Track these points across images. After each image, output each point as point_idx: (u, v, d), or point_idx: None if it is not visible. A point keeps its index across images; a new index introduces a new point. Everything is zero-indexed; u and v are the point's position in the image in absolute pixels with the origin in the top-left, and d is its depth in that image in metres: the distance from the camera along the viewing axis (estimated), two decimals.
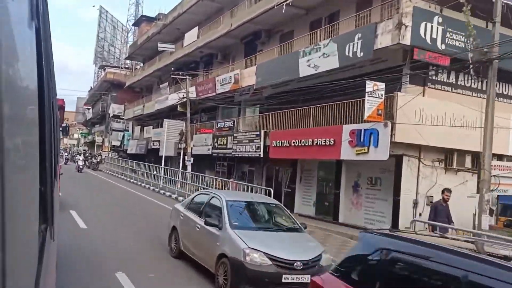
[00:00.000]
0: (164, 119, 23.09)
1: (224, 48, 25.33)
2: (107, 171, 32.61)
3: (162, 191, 20.27)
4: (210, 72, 26.52)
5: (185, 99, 22.85)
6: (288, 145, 16.20)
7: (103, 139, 42.60)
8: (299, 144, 15.55)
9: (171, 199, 18.09)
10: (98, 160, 35.00)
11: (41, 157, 1.55)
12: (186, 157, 22.32)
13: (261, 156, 17.88)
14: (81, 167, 28.80)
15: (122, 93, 44.14)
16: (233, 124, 21.01)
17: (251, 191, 15.21)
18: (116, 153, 41.83)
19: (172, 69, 31.78)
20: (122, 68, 50.94)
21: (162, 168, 21.92)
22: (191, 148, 23.15)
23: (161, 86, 31.09)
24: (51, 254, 2.59)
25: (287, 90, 18.31)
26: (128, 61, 56.68)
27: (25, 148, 1.01)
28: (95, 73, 64.07)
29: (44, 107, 1.69)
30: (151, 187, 21.88)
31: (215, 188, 18.95)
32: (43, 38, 1.63)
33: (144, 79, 37.12)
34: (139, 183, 24.03)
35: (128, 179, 26.31)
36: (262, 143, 17.85)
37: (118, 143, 42.65)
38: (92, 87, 63.36)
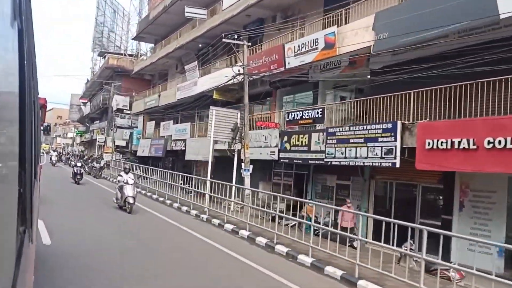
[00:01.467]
0: (211, 107, 15.51)
1: (287, 7, 17.79)
2: (114, 180, 24.91)
3: (215, 221, 12.68)
4: (259, 44, 18.94)
5: (236, 77, 15.24)
6: (472, 146, 8.73)
7: (105, 138, 34.84)
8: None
9: (249, 242, 10.60)
10: (102, 165, 27.29)
11: (21, 157, 1.54)
12: (243, 164, 14.80)
13: (397, 165, 10.39)
14: (132, 200, 12.98)
15: (128, 82, 36.46)
16: (322, 114, 13.50)
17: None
18: (121, 155, 34.20)
19: (200, 45, 24.35)
20: (125, 55, 43.16)
21: (208, 183, 14.35)
22: (243, 150, 15.56)
23: (186, 67, 23.51)
24: (30, 257, 2.47)
25: (425, 56, 10.95)
26: (130, 49, 48.98)
27: (4, 147, 1.06)
28: (92, 61, 56.12)
29: (25, 106, 1.67)
30: (191, 211, 14.31)
31: (307, 217, 11.47)
32: (26, 37, 1.63)
33: (158, 62, 29.46)
34: (167, 201, 16.45)
35: (148, 193, 18.74)
36: (398, 143, 10.37)
37: (123, 143, 34.96)
38: (89, 79, 55.54)
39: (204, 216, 13.26)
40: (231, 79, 15.37)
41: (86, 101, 52.27)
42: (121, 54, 43.43)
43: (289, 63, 14.94)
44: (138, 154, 29.78)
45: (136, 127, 33.32)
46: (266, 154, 15.92)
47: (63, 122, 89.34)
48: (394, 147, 10.43)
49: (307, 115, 14.13)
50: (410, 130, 10.30)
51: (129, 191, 13.02)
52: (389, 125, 10.63)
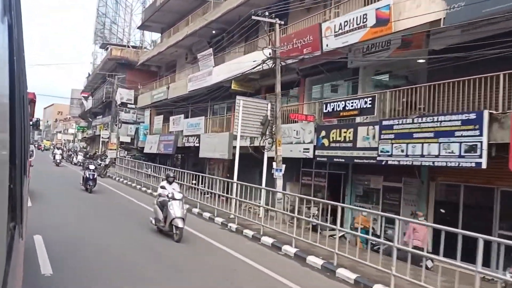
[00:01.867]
0: (238, 96, 13.36)
1: None
2: (121, 179, 22.95)
3: (248, 233, 10.63)
4: (284, 27, 16.77)
5: (266, 63, 13.12)
6: None
7: (109, 133, 32.77)
8: None
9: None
10: (107, 163, 25.25)
11: (11, 152, 1.54)
12: (274, 164, 12.74)
13: (483, 165, 8.31)
14: (181, 224, 8.89)
15: (132, 74, 34.34)
16: (372, 104, 11.38)
17: None
18: (126, 152, 32.17)
19: (214, 31, 22.27)
20: (128, 47, 40.97)
21: (235, 185, 12.26)
22: (273, 148, 13.47)
23: (199, 55, 21.38)
24: (19, 252, 2.47)
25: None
26: (133, 41, 46.87)
27: None
28: (93, 55, 54.01)
29: (15, 101, 1.68)
30: (216, 218, 12.24)
31: (359, 228, 9.47)
32: (15, 32, 1.63)
33: (166, 51, 27.34)
34: (193, 209, 14.35)
35: None
36: (484, 138, 8.30)
37: (128, 139, 32.91)
38: (90, 73, 53.45)
39: (232, 225, 11.20)
40: (259, 64, 13.23)
41: (87, 95, 50.18)
42: (125, 46, 41.29)
43: (327, 45, 12.83)
44: (145, 151, 27.73)
45: (142, 122, 31.25)
46: (298, 151, 13.86)
47: (64, 118, 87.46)
48: (479, 143, 8.35)
49: (351, 106, 12.03)
50: (500, 122, 8.22)
51: (176, 210, 8.89)
52: (472, 116, 8.54)
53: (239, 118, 12.66)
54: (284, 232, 9.58)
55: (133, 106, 34.09)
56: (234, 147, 18.17)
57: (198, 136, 20.85)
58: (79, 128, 57.21)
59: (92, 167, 16.61)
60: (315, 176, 15.37)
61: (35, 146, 57.85)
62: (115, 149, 31.35)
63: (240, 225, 11.16)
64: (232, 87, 18.40)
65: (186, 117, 24.06)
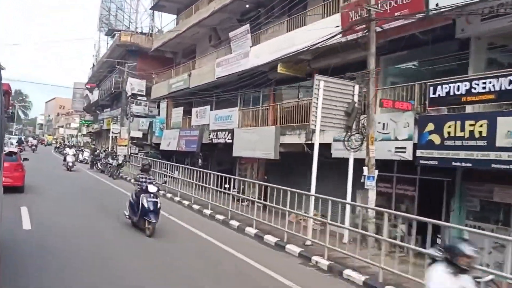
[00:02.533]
0: (316, 76, 9.63)
1: None
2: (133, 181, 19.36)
3: (352, 275, 7.09)
4: None
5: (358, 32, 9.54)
6: None
7: (120, 128, 29.23)
8: None
9: None
10: (120, 162, 21.75)
11: None
12: (365, 169, 9.23)
13: None
14: None
15: (143, 62, 30.74)
16: None
17: None
18: (138, 149, 28.70)
19: (247, 6, 18.74)
20: (137, 33, 37.34)
21: (312, 200, 8.73)
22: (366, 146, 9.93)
23: (231, 35, 17.73)
24: None
25: None
26: (141, 27, 43.24)
27: None
28: (95, 47, 50.38)
29: None
30: (287, 246, 8.75)
31: None
32: None
33: (185, 34, 23.65)
34: (231, 221, 10.90)
35: (194, 205, 13.32)
36: None
37: (139, 134, 29.43)
38: (94, 63, 49.90)
39: (320, 260, 7.67)
40: (345, 31, 9.63)
41: (90, 86, 46.57)
42: (134, 32, 37.67)
43: (437, 5, 9.24)
44: (161, 148, 24.19)
45: (157, 115, 27.68)
46: (386, 151, 10.32)
47: (66, 112, 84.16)
48: None
49: (483, 88, 8.46)
50: None
51: None
52: None
53: (318, 105, 9.07)
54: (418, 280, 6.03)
55: (144, 98, 30.58)
56: (281, 145, 14.82)
57: (230, 131, 17.37)
58: (83, 122, 53.68)
59: (153, 189, 9.34)
60: (397, 182, 11.83)
61: (38, 141, 54.59)
62: (126, 145, 27.87)
63: (332, 259, 7.66)
64: (279, 70, 14.84)
65: (210, 109, 20.56)
